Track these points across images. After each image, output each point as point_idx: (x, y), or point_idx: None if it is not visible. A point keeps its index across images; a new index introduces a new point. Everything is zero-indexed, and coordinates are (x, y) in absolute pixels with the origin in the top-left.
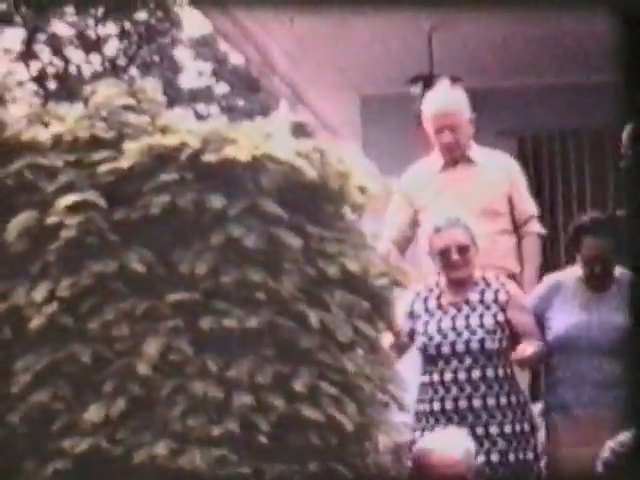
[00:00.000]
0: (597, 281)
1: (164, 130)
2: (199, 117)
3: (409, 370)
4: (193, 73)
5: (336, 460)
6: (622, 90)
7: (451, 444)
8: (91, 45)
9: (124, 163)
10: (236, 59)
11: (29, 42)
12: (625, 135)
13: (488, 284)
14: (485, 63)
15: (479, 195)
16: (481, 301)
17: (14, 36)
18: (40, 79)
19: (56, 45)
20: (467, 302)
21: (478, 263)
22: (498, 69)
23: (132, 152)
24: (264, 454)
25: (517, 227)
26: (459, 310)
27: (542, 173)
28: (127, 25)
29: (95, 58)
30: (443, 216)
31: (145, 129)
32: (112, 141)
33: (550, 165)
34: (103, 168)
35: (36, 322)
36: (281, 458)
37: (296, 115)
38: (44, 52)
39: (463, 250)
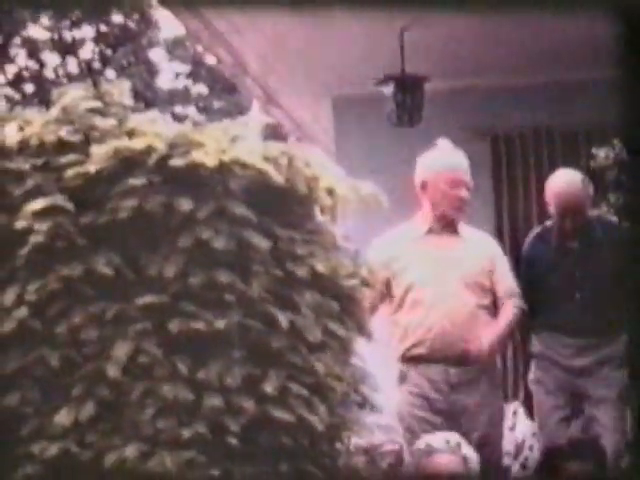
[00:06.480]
0: None
1: (131, 133)
2: (177, 118)
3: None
4: (170, 74)
5: (307, 461)
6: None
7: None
8: (67, 48)
9: (91, 167)
10: (211, 60)
11: (4, 46)
12: None
13: None
14: (458, 62)
15: (463, 265)
16: None
17: None
18: (16, 83)
19: (32, 49)
20: None
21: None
22: (470, 68)
23: (99, 156)
24: (234, 456)
25: (497, 305)
26: None
27: (515, 172)
28: (103, 27)
29: (71, 61)
30: (442, 438)
31: (112, 132)
32: (79, 145)
33: (523, 164)
34: (70, 172)
35: (8, 326)
36: (251, 460)
37: (268, 116)
38: (20, 56)
39: None
